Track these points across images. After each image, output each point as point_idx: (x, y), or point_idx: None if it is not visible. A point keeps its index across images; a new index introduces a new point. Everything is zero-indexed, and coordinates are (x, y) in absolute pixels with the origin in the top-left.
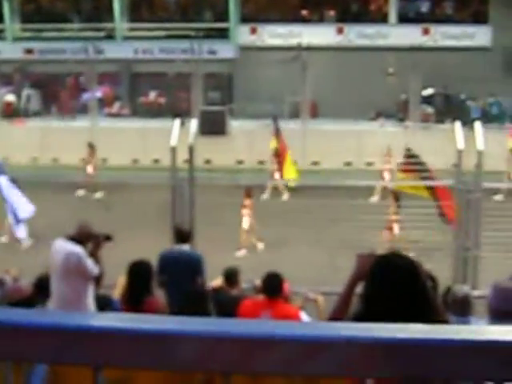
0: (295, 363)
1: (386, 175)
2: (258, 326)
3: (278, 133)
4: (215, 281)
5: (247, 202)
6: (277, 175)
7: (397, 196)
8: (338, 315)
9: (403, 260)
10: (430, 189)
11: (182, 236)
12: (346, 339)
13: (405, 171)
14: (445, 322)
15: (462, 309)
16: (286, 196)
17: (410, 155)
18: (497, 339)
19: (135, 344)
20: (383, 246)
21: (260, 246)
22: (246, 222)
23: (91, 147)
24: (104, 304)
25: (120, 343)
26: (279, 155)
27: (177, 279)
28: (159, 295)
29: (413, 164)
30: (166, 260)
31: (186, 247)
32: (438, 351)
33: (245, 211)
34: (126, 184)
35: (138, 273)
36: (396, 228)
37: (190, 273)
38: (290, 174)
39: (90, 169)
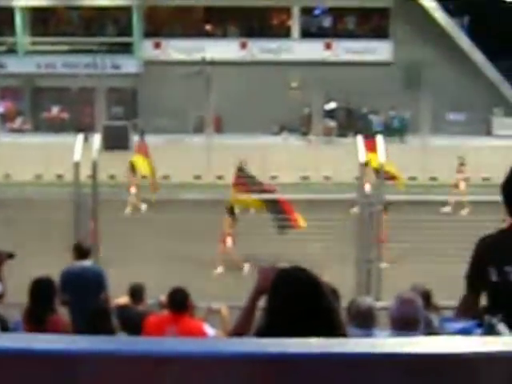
0: (194, 380)
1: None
2: (152, 344)
3: (142, 148)
4: (121, 298)
5: None
6: (133, 190)
7: (231, 210)
8: (240, 330)
9: (305, 273)
10: (272, 202)
11: (81, 252)
12: (245, 355)
13: (236, 185)
14: (344, 335)
15: (365, 321)
16: (128, 210)
17: (240, 169)
18: (397, 351)
19: (33, 365)
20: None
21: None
22: None
23: None
24: (3, 323)
25: (18, 364)
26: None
27: (80, 296)
28: (63, 313)
29: (243, 178)
30: (68, 277)
31: (87, 263)
32: (339, 365)
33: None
34: (28, 200)
35: (40, 291)
36: (229, 241)
37: (93, 288)
38: (155, 188)
39: None
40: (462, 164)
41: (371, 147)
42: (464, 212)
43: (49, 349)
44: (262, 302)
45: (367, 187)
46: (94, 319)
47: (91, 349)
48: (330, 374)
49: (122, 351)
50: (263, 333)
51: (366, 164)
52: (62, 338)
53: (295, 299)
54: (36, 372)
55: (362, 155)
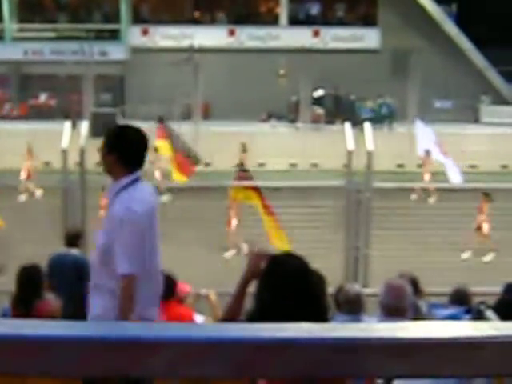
0: (182, 365)
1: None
2: (143, 329)
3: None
4: None
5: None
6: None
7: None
8: (231, 315)
9: (295, 259)
10: None
11: (70, 239)
12: (234, 340)
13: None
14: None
15: (353, 307)
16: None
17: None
18: (386, 336)
19: (18, 350)
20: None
21: None
22: None
23: None
24: None
25: (4, 349)
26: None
27: (63, 283)
28: (52, 298)
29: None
30: (54, 263)
31: (74, 251)
32: (329, 349)
33: None
34: (12, 187)
35: (28, 277)
36: None
37: (76, 276)
38: None
39: None
40: (244, 151)
41: (162, 135)
42: None
43: (36, 334)
44: (251, 288)
45: (156, 174)
46: (83, 306)
47: (80, 334)
48: (321, 358)
49: (111, 337)
50: (253, 318)
51: (156, 150)
52: (49, 324)
53: (285, 285)
54: (24, 358)
55: (351, 142)
